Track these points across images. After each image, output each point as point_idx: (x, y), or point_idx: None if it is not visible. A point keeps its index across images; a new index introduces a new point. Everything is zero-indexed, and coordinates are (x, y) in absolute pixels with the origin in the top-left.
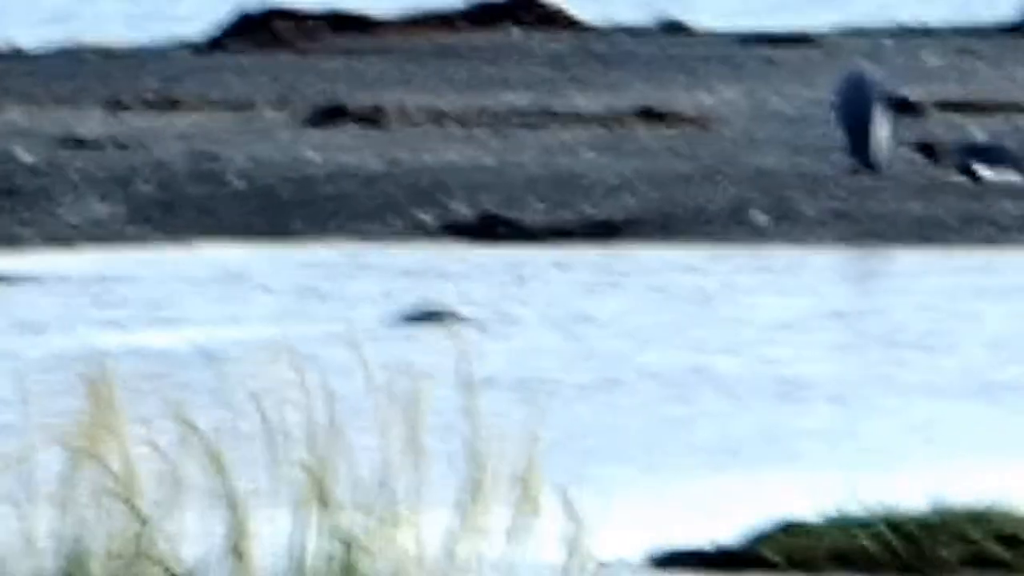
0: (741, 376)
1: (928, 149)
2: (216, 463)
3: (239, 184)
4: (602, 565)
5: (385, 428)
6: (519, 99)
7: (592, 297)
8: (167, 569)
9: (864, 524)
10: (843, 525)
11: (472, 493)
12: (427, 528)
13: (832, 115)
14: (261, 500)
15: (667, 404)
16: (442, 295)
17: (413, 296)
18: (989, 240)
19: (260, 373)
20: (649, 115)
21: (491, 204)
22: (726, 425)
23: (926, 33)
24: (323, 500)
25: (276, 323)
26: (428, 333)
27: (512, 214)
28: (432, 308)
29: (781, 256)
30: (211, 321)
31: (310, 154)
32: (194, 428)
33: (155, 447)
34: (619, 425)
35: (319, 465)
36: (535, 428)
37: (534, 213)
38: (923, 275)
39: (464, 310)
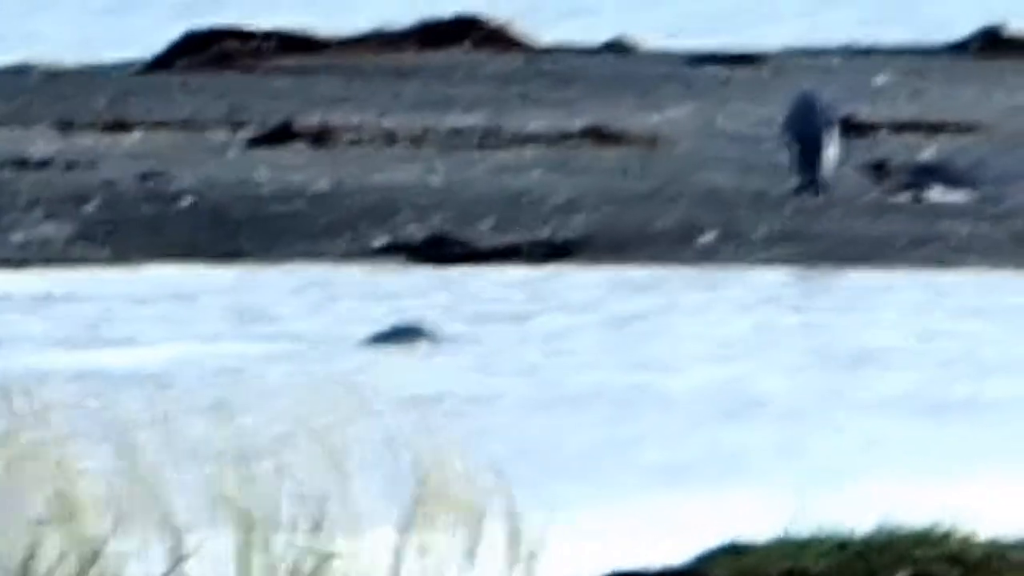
0: (690, 395)
1: (877, 169)
2: (155, 487)
3: (187, 204)
4: None
5: (327, 447)
6: (468, 119)
7: (540, 316)
8: None
9: (813, 543)
10: (792, 545)
11: (418, 512)
12: (371, 549)
13: (782, 135)
14: (202, 523)
15: (616, 423)
16: (391, 314)
17: (362, 315)
18: (938, 260)
19: (206, 393)
20: (598, 135)
21: (440, 224)
22: (674, 444)
23: (876, 53)
24: (260, 523)
25: (224, 343)
26: (377, 352)
27: (461, 234)
28: (381, 327)
29: (730, 275)
30: (158, 341)
31: (258, 174)
32: (134, 451)
33: (95, 470)
34: (567, 444)
35: (258, 487)
36: (482, 446)
37: (483, 233)
38: (872, 294)
39: (414, 329)
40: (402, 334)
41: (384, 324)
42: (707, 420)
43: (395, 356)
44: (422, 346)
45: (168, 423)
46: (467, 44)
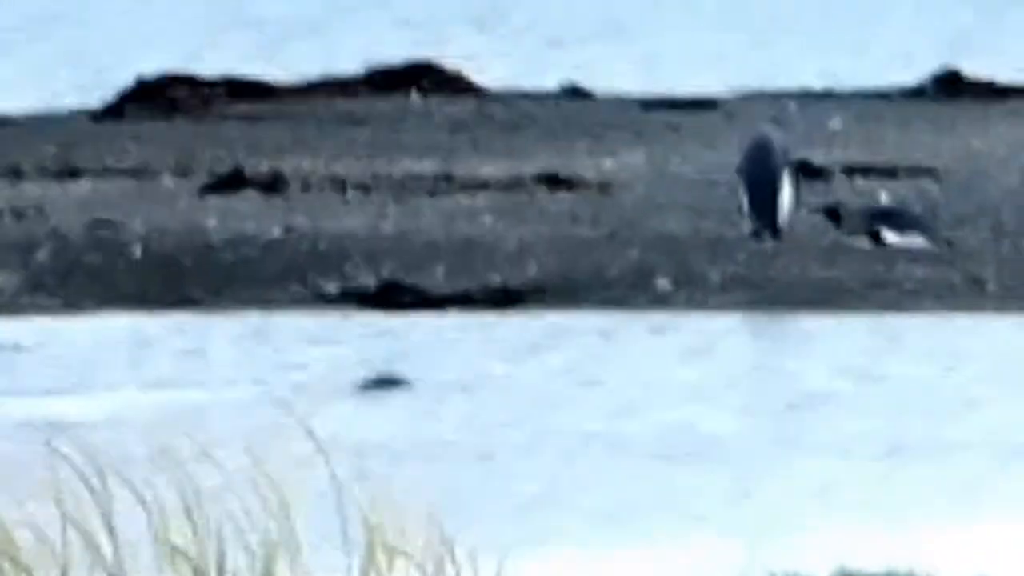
0: (643, 440)
1: (833, 213)
2: (101, 536)
3: (138, 252)
4: None
5: (277, 495)
6: (419, 165)
7: (493, 362)
8: None
9: None
10: None
11: (367, 561)
12: None
13: (736, 179)
14: (151, 572)
15: (567, 468)
16: (341, 361)
17: (311, 362)
18: (893, 304)
19: (154, 440)
20: (551, 180)
21: (392, 271)
22: (626, 490)
23: (830, 97)
24: (209, 572)
25: (173, 390)
26: (326, 398)
27: (413, 281)
28: (331, 374)
29: (684, 320)
30: (108, 389)
31: (209, 221)
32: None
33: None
34: (516, 490)
35: (207, 535)
36: (431, 493)
37: (435, 280)
38: (827, 339)
39: (364, 376)
40: (355, 380)
41: (334, 371)
42: (661, 465)
43: (345, 403)
44: (374, 393)
45: (116, 471)
46: (419, 90)
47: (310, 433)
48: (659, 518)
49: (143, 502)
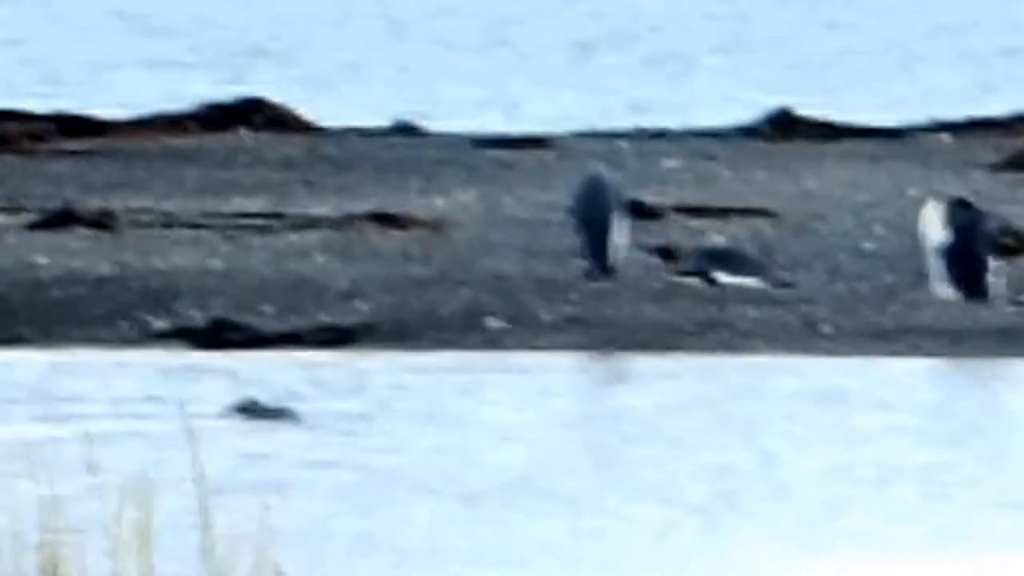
0: (471, 482)
1: (666, 253)
2: None
3: None
4: None
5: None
6: (250, 203)
7: (323, 401)
8: None
9: None
10: None
11: None
12: None
13: (568, 219)
14: None
15: (393, 508)
16: (171, 400)
17: (143, 401)
18: (727, 345)
19: None
20: (382, 219)
21: (222, 309)
22: (452, 532)
23: (663, 136)
24: None
25: (4, 428)
26: (160, 436)
27: (243, 319)
28: (162, 412)
29: (516, 361)
30: None
31: (38, 258)
32: None
33: None
34: (337, 530)
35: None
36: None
37: (265, 318)
38: (659, 380)
39: (196, 414)
40: (190, 419)
41: (167, 409)
42: (490, 507)
43: (184, 440)
44: (208, 431)
45: None
46: (250, 127)
47: (146, 468)
48: (485, 561)
49: None
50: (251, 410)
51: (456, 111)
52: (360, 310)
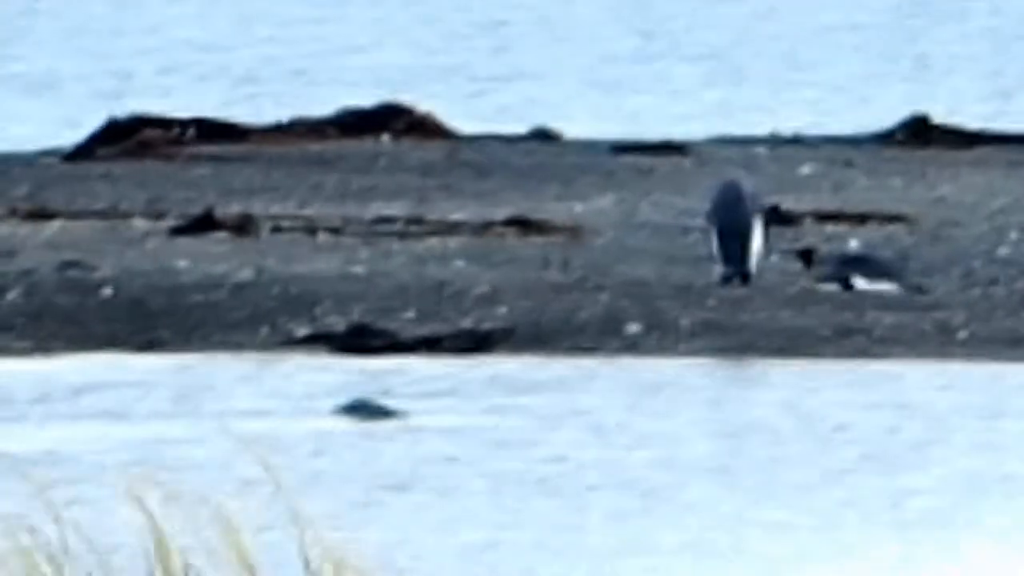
0: (607, 485)
1: (802, 259)
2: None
3: (107, 293)
4: None
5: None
6: (390, 208)
7: (459, 404)
8: None
9: None
10: None
11: None
12: None
13: (706, 224)
14: None
15: (500, 514)
16: (312, 405)
17: (280, 402)
18: (862, 351)
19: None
20: (521, 224)
21: (362, 314)
22: (583, 533)
23: (800, 142)
24: None
25: (145, 432)
26: (301, 437)
27: (383, 324)
28: (298, 413)
29: (654, 367)
30: (75, 431)
31: (179, 263)
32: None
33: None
34: (463, 531)
35: None
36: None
37: (405, 323)
38: (796, 386)
39: (320, 413)
40: (326, 425)
41: (310, 416)
42: (631, 513)
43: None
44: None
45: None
46: (390, 132)
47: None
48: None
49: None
50: (360, 409)
51: (593, 117)
52: (499, 315)
